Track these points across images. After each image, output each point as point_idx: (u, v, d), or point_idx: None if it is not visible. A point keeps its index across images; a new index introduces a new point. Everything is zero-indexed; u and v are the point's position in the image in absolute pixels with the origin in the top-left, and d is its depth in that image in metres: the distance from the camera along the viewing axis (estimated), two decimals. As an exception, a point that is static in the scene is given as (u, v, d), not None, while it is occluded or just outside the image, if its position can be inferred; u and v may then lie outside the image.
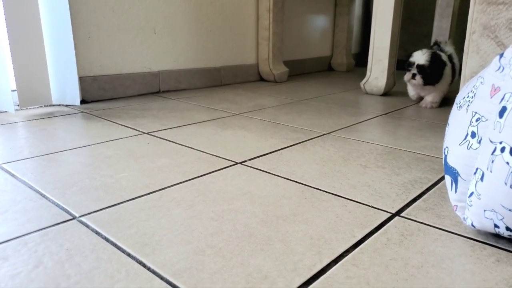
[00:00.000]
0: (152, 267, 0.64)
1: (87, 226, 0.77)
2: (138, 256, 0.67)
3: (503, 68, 0.69)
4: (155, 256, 0.67)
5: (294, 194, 0.93)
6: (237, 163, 1.12)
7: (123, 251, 0.69)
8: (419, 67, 1.80)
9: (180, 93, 2.15)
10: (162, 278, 0.62)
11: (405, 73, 1.86)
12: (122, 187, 0.95)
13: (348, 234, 0.75)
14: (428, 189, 0.96)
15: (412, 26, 3.17)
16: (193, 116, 1.66)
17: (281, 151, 1.24)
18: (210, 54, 2.36)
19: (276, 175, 1.04)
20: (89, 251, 0.68)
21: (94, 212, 0.82)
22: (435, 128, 1.49)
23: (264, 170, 1.07)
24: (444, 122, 1.59)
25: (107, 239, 0.72)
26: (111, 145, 1.26)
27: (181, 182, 0.98)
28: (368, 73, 2.17)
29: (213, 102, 1.96)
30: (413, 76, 1.83)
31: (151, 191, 0.93)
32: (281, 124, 1.57)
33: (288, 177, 1.02)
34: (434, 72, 1.80)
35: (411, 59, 1.84)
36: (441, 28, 2.66)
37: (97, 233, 0.74)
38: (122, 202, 0.87)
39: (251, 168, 1.08)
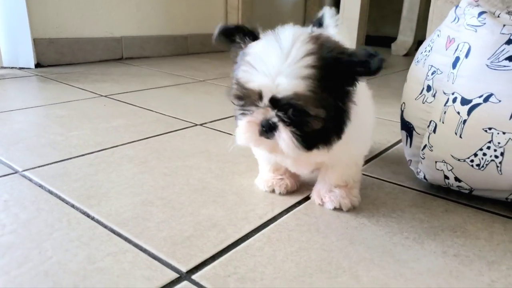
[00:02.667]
0: (96, 216, 0.61)
1: (30, 179, 0.72)
2: (82, 207, 0.64)
3: (458, 19, 0.68)
4: (101, 207, 0.64)
5: (253, 153, 0.92)
6: (196, 125, 1.09)
7: (67, 202, 0.65)
8: None
9: (144, 60, 2.07)
10: (105, 226, 0.59)
11: None
12: (72, 144, 0.90)
13: (303, 187, 0.74)
14: (386, 150, 0.97)
15: (383, 1, 3.17)
16: (155, 81, 1.61)
17: (243, 114, 1.22)
18: (176, 21, 2.28)
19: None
20: (30, 202, 0.64)
21: (39, 167, 0.78)
22: (400, 97, 1.50)
23: (224, 131, 1.05)
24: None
25: (50, 192, 0.68)
26: (65, 106, 1.20)
27: (135, 141, 0.94)
28: (336, 44, 2.16)
29: (177, 69, 1.90)
30: None
31: (102, 148, 0.89)
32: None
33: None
34: None
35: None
36: (412, 3, 2.67)
37: (40, 186, 0.70)
38: (70, 158, 0.82)
39: (211, 129, 1.06)
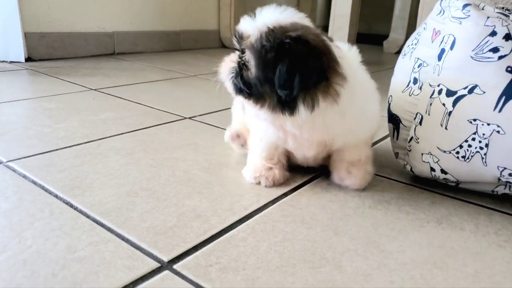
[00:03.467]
0: (80, 206, 0.61)
1: (13, 170, 0.71)
2: (65, 197, 0.63)
3: (444, 11, 0.68)
4: (84, 197, 0.63)
5: (241, 146, 0.91)
6: (185, 118, 1.08)
7: (50, 192, 0.64)
8: None
9: (136, 56, 2.06)
10: (88, 216, 0.58)
11: None
12: (59, 136, 0.89)
13: (290, 180, 0.74)
14: (374, 144, 0.97)
15: (375, 0, 3.18)
16: (145, 76, 1.60)
17: (233, 109, 1.21)
18: (169, 17, 2.27)
19: (225, 129, 1.01)
20: (12, 192, 0.63)
21: (24, 158, 0.77)
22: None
23: (214, 124, 1.04)
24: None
25: (34, 182, 0.67)
26: (54, 99, 1.18)
27: (123, 133, 0.93)
28: (329, 41, 2.15)
29: (169, 64, 1.89)
30: None
31: (89, 140, 0.88)
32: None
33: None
34: None
35: None
36: (403, 1, 2.68)
37: (24, 176, 0.69)
38: (56, 149, 0.82)
39: (200, 123, 1.05)
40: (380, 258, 0.53)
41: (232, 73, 0.62)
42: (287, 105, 0.57)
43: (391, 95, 0.79)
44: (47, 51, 1.78)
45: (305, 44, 0.54)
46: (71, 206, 0.61)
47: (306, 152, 0.68)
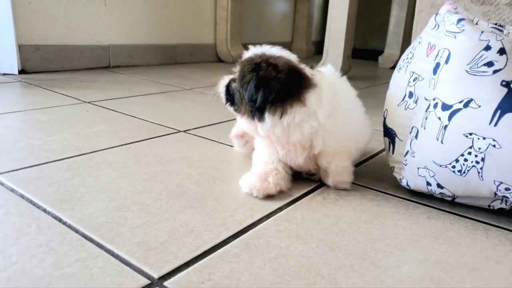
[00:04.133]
0: (68, 221, 0.59)
1: (1, 183, 0.70)
2: (54, 211, 0.61)
3: (438, 26, 0.68)
4: (74, 211, 0.62)
5: (236, 159, 0.90)
6: (180, 131, 1.07)
7: (39, 206, 0.63)
8: None
9: (131, 69, 2.06)
10: (77, 231, 0.57)
11: None
12: (50, 149, 0.88)
13: (285, 194, 0.73)
14: (370, 157, 0.96)
15: (370, 15, 3.22)
16: (141, 89, 1.59)
17: (229, 122, 1.20)
18: (165, 30, 2.28)
19: (220, 143, 1.00)
20: (-1, 206, 0.62)
21: (12, 171, 0.75)
22: (384, 108, 1.50)
23: (208, 138, 1.03)
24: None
25: (22, 196, 0.66)
26: (46, 112, 1.17)
27: (115, 146, 0.92)
28: (324, 56, 2.17)
29: (165, 78, 1.89)
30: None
31: (81, 153, 0.87)
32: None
33: (232, 145, 0.99)
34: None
35: None
36: (398, 17, 2.71)
37: (12, 190, 0.68)
38: (47, 162, 0.80)
39: (195, 136, 1.04)
40: (376, 274, 0.52)
41: (225, 86, 0.74)
42: (256, 114, 0.67)
43: (386, 109, 0.79)
44: (41, 63, 1.77)
45: (273, 67, 0.66)
46: (60, 220, 0.59)
47: (295, 158, 0.73)
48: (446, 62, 0.63)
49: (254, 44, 0.73)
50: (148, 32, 2.20)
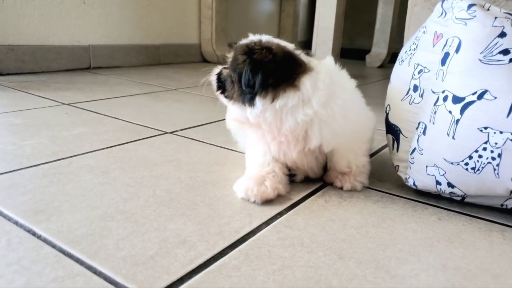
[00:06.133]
0: (43, 234, 0.52)
1: (-32, 193, 0.62)
2: (27, 224, 0.54)
3: (446, 13, 0.64)
4: (50, 223, 0.55)
5: (229, 161, 0.84)
6: (166, 133, 1.01)
7: (9, 218, 0.56)
8: None
9: (113, 70, 1.98)
10: (53, 246, 0.50)
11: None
12: (24, 154, 0.80)
13: (284, 197, 0.67)
14: (370, 156, 0.91)
15: (356, 14, 3.20)
16: (123, 90, 1.52)
17: (218, 122, 1.14)
18: (147, 30, 2.20)
19: (210, 144, 0.94)
20: (-36, 219, 0.55)
21: (-19, 178, 0.68)
22: (379, 106, 1.46)
23: (197, 139, 0.97)
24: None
25: (-9, 207, 0.58)
26: (21, 114, 1.09)
27: (97, 150, 0.85)
28: (312, 55, 2.12)
29: (148, 78, 1.82)
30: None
31: (59, 158, 0.79)
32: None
33: (223, 146, 0.93)
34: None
35: None
36: (385, 15, 2.69)
37: (-21, 200, 0.60)
38: (20, 169, 0.73)
39: (182, 137, 0.98)
40: (392, 284, 0.46)
41: (217, 74, 0.70)
42: (246, 98, 0.63)
43: (388, 105, 0.74)
44: (16, 64, 1.68)
45: (268, 50, 0.62)
46: (34, 234, 0.52)
47: (288, 152, 0.67)
48: (457, 51, 0.59)
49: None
50: (130, 32, 2.12)
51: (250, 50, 0.62)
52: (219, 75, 0.69)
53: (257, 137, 0.70)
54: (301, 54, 0.65)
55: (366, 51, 2.89)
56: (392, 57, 2.89)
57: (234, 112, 0.68)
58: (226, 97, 0.68)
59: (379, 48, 2.78)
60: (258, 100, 0.62)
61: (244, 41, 0.67)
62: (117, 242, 0.51)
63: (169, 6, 2.29)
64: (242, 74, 0.61)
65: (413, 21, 1.29)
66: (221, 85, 0.68)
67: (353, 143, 0.71)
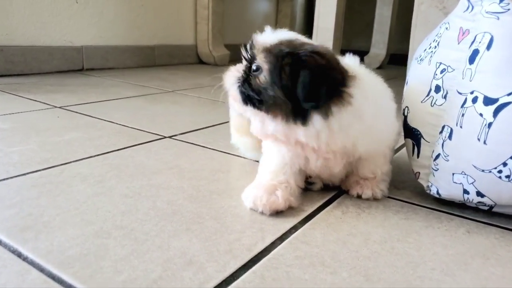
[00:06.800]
0: (30, 256, 0.46)
1: None
2: (12, 243, 0.48)
3: (473, 7, 0.59)
4: (38, 241, 0.49)
5: (234, 167, 0.79)
6: (165, 137, 0.95)
7: (-8, 237, 0.49)
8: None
9: (107, 72, 1.91)
10: (42, 269, 0.44)
11: None
12: (11, 161, 0.74)
13: (297, 209, 0.61)
14: (381, 162, 0.86)
15: (354, 15, 3.16)
16: (118, 92, 1.45)
17: (219, 126, 1.09)
18: (142, 30, 2.14)
19: (213, 149, 0.88)
20: None
21: (-37, 190, 0.61)
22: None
23: (198, 144, 0.91)
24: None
25: (-28, 223, 0.52)
26: (9, 118, 1.03)
27: (91, 156, 0.79)
28: (311, 56, 2.07)
29: (144, 80, 1.75)
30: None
31: (50, 165, 0.73)
32: (220, 101, 1.42)
33: (227, 151, 0.87)
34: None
35: None
36: (382, 16, 2.65)
37: (-41, 215, 0.54)
38: (6, 179, 0.66)
39: (182, 142, 0.92)
40: (428, 311, 0.41)
41: (239, 81, 0.58)
42: (300, 114, 0.54)
43: (407, 107, 0.69)
44: (5, 66, 1.61)
45: (321, 56, 0.53)
46: (19, 255, 0.46)
47: (333, 167, 0.61)
48: (488, 48, 0.54)
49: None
50: (125, 32, 2.06)
51: (297, 56, 0.53)
52: (245, 81, 0.57)
53: (286, 151, 0.61)
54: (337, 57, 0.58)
55: (364, 52, 2.84)
56: (391, 58, 2.85)
57: (272, 129, 0.56)
58: (264, 111, 0.56)
59: (377, 49, 2.74)
60: (316, 119, 0.53)
61: (271, 39, 0.56)
62: (115, 264, 0.45)
63: (164, 6, 2.23)
64: (299, 85, 0.52)
65: (420, 20, 1.24)
66: (250, 97, 0.56)
67: (385, 148, 0.66)
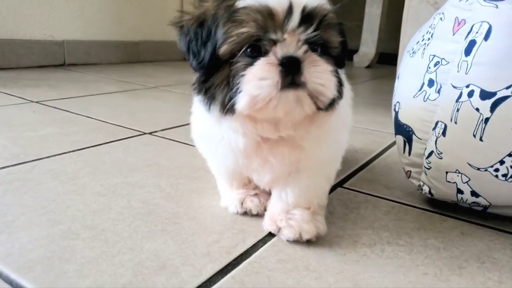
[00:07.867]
0: (-14, 259, 0.42)
1: None
2: (-33, 245, 0.44)
3: (469, -4, 0.56)
4: (-3, 243, 0.44)
5: (215, 166, 0.75)
6: (144, 133, 0.90)
7: None
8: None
9: (89, 67, 1.85)
10: (-3, 275, 0.39)
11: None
12: (-23, 157, 0.69)
13: (281, 208, 0.58)
14: (371, 160, 0.83)
15: (343, 13, 3.14)
16: (99, 87, 1.40)
17: (202, 123, 1.04)
18: (127, 26, 2.08)
19: (194, 146, 0.84)
20: None
21: None
22: (371, 106, 1.39)
23: (179, 140, 0.87)
24: (381, 101, 1.50)
25: None
26: (-19, 112, 0.97)
27: (65, 152, 0.74)
28: (300, 54, 2.04)
29: (127, 76, 1.70)
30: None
31: (20, 161, 0.68)
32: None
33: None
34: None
35: None
36: (372, 14, 2.64)
37: None
38: (-31, 175, 0.62)
39: (162, 139, 0.88)
40: (421, 319, 0.38)
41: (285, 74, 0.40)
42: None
43: (398, 102, 0.65)
44: (-18, 59, 1.54)
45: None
46: (-26, 258, 0.42)
47: (277, 168, 0.48)
48: (486, 38, 0.51)
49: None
50: (108, 27, 2.00)
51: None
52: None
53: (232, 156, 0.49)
54: None
55: (353, 51, 2.83)
56: (380, 57, 2.83)
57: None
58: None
59: (367, 48, 2.72)
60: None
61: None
62: (81, 267, 0.41)
63: (149, 0, 2.17)
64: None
65: (410, 16, 1.22)
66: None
67: (329, 167, 0.52)
